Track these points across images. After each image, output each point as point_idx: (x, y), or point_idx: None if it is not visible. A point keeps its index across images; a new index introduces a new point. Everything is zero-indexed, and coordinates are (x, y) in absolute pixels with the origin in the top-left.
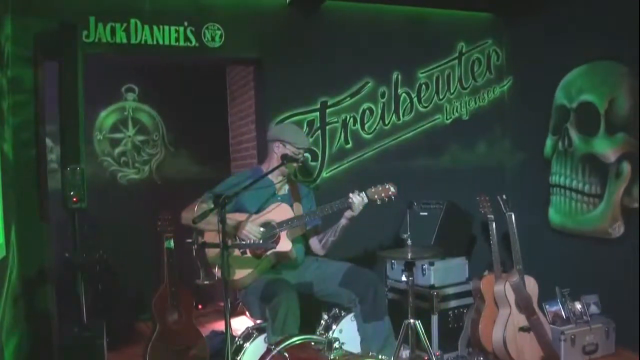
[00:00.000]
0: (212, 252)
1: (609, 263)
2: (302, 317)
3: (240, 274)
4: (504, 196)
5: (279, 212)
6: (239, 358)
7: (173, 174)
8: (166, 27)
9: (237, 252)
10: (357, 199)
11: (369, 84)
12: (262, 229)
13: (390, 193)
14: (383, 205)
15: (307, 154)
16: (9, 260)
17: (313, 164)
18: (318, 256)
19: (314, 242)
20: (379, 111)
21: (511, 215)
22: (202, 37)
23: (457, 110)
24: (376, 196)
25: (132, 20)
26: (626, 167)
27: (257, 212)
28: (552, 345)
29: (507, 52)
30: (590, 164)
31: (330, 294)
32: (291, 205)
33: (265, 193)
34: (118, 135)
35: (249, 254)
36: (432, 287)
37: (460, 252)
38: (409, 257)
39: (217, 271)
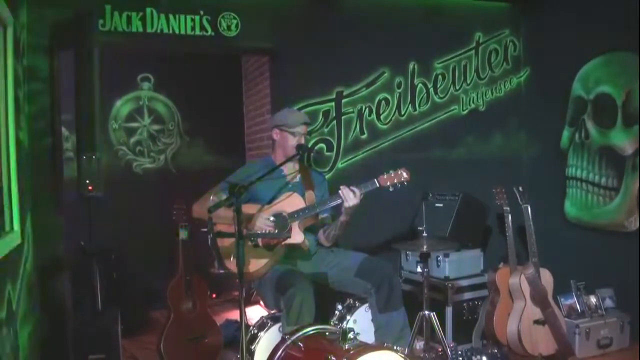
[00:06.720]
0: (226, 243)
1: (624, 257)
2: (316, 307)
3: (254, 265)
4: (520, 188)
5: (291, 202)
6: (253, 347)
7: (188, 163)
8: (182, 16)
9: (248, 244)
10: (348, 193)
11: (385, 74)
12: (272, 218)
13: (402, 179)
14: (398, 196)
15: (322, 145)
16: (24, 248)
17: (328, 154)
18: (333, 247)
19: (320, 233)
20: (395, 101)
21: (527, 207)
22: (218, 26)
23: (473, 101)
24: (388, 182)
25: (148, 9)
26: None
27: (269, 202)
28: (566, 338)
29: (524, 42)
30: (607, 157)
31: (345, 285)
32: (303, 194)
33: (277, 182)
34: (133, 125)
35: (261, 245)
36: (446, 278)
37: (475, 244)
38: (424, 249)
39: (231, 262)
